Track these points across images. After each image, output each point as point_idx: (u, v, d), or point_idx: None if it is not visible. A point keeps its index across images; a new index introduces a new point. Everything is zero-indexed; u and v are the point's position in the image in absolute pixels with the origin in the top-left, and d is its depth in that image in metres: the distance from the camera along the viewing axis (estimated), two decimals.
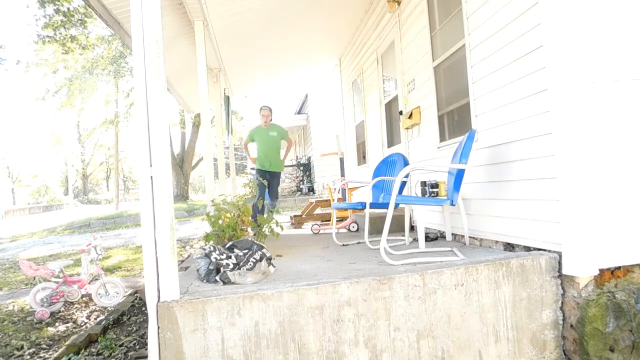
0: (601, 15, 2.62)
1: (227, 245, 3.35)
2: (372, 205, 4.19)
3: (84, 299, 5.44)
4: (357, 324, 2.50)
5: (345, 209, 5.81)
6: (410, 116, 4.94)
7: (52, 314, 5.01)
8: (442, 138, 4.38)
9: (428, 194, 3.92)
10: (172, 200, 2.45)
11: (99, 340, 4.05)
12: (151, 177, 2.39)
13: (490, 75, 3.33)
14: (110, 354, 3.80)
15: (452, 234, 4.10)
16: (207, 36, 5.84)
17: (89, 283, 5.32)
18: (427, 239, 4.09)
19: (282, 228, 4.22)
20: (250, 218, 5.06)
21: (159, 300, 2.38)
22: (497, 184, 3.36)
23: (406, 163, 4.30)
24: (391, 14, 5.44)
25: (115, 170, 26.88)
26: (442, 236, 4.36)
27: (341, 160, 7.88)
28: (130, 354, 3.71)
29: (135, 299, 5.42)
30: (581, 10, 2.59)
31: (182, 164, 23.23)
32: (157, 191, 2.39)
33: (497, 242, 3.47)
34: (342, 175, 7.74)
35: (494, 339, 2.62)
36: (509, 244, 3.29)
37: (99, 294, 5.23)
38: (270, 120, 6.58)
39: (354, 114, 8.13)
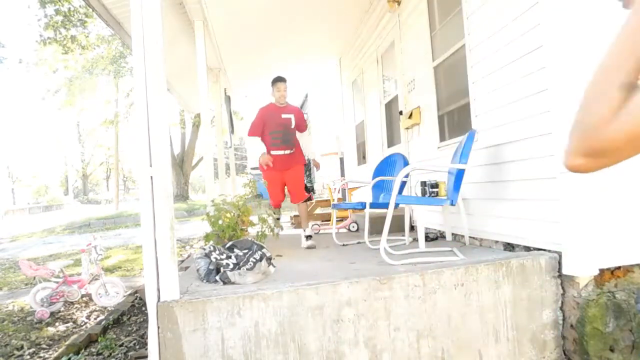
0: (601, 15, 2.62)
1: (227, 245, 3.34)
2: (372, 205, 4.19)
3: (84, 298, 5.45)
4: (357, 324, 2.50)
5: (345, 209, 5.81)
6: (410, 116, 4.94)
7: (52, 313, 5.01)
8: (442, 138, 4.38)
9: (428, 194, 3.91)
10: (172, 200, 2.45)
11: (99, 340, 4.05)
12: (151, 177, 2.39)
13: (490, 75, 3.33)
14: (110, 354, 3.80)
15: (452, 234, 4.10)
16: (207, 36, 5.85)
17: (89, 283, 5.32)
18: (427, 239, 4.09)
19: (282, 228, 4.22)
20: None
21: (159, 300, 2.38)
22: (497, 184, 3.36)
23: (406, 163, 4.30)
24: (391, 14, 5.43)
25: (115, 170, 26.89)
26: (442, 236, 4.36)
27: (341, 160, 7.88)
28: (130, 354, 3.71)
29: (135, 299, 5.42)
30: (581, 10, 2.59)
31: (182, 164, 23.22)
32: (157, 191, 2.39)
33: (497, 242, 3.47)
34: (342, 175, 7.73)
35: (494, 339, 2.62)
36: (509, 244, 3.29)
37: (99, 294, 5.23)
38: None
39: (354, 114, 8.13)
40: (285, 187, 4.78)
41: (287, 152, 4.63)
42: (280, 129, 4.61)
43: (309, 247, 4.33)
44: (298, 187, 4.71)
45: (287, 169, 4.64)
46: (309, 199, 4.81)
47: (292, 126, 4.69)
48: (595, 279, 2.59)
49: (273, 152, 4.60)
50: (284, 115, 4.67)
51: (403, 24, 5.18)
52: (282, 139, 4.60)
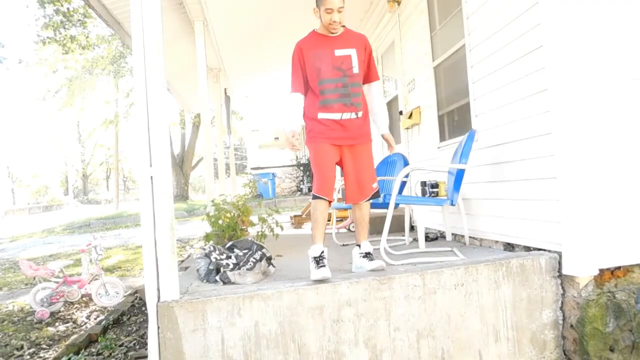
0: (601, 15, 2.62)
1: (227, 245, 3.35)
2: (372, 205, 4.19)
3: (84, 299, 5.44)
4: (357, 324, 2.50)
5: (345, 209, 5.81)
6: (410, 116, 4.94)
7: (52, 314, 5.00)
8: (442, 138, 4.38)
9: (428, 194, 3.92)
10: (172, 200, 2.46)
11: (99, 340, 4.05)
12: (151, 177, 2.39)
13: (490, 75, 3.33)
14: (110, 354, 3.80)
15: (452, 234, 4.10)
16: (207, 36, 5.85)
17: (89, 283, 5.32)
18: (427, 239, 4.09)
19: (282, 228, 4.22)
20: None
21: (159, 300, 2.38)
22: (497, 184, 3.36)
23: (406, 163, 4.30)
24: (391, 14, 5.44)
25: (115, 170, 26.88)
26: (442, 236, 4.36)
27: None
28: (130, 354, 3.71)
29: (135, 299, 5.42)
30: (581, 10, 2.59)
31: (182, 164, 23.23)
32: (157, 191, 2.39)
33: (497, 242, 3.47)
34: (342, 175, 7.72)
35: (494, 339, 2.62)
36: (509, 244, 3.29)
37: (99, 294, 5.23)
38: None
39: None
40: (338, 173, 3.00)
41: (351, 115, 2.85)
42: (335, 75, 2.83)
43: (375, 269, 2.77)
44: (364, 174, 2.94)
45: (350, 145, 2.90)
46: (376, 194, 3.01)
47: (356, 69, 2.87)
48: (595, 279, 2.59)
49: (324, 116, 2.85)
50: (338, 52, 2.85)
51: (403, 24, 5.18)
52: (341, 93, 2.83)
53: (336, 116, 2.83)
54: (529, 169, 2.93)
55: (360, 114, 2.88)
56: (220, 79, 8.15)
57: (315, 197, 2.86)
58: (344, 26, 2.89)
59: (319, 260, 2.69)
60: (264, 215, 4.15)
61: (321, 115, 2.85)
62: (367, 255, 2.88)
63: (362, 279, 2.54)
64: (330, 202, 2.88)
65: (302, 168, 19.63)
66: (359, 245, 2.95)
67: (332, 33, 2.87)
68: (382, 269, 2.78)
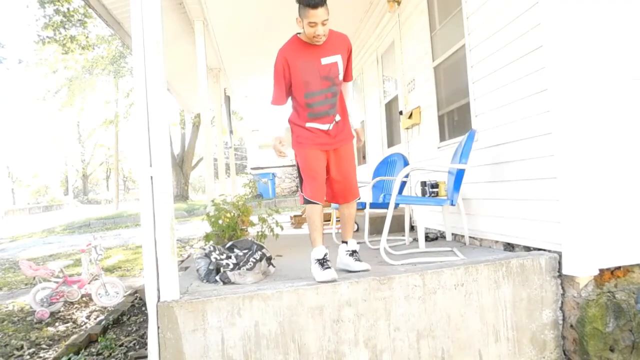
0: (601, 15, 2.62)
1: (227, 245, 3.35)
2: (372, 205, 4.19)
3: (84, 299, 5.45)
4: (357, 324, 2.50)
5: None
6: (410, 116, 4.94)
7: (52, 314, 5.01)
8: (442, 138, 4.38)
9: (428, 194, 3.92)
10: (172, 200, 2.46)
11: (99, 340, 4.05)
12: (151, 177, 2.39)
13: (490, 75, 3.33)
14: (110, 354, 3.80)
15: (452, 234, 4.09)
16: (207, 36, 5.85)
17: (89, 283, 5.32)
18: (427, 239, 4.09)
19: (282, 228, 4.22)
20: None
21: (159, 300, 2.38)
22: (497, 184, 3.36)
23: (406, 163, 4.30)
24: (391, 14, 5.44)
25: (115, 170, 26.88)
26: (442, 236, 4.36)
27: None
28: (130, 354, 3.71)
29: (135, 299, 5.42)
30: (581, 10, 2.59)
31: (182, 164, 23.24)
32: (157, 191, 2.39)
33: (497, 242, 3.47)
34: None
35: (494, 338, 2.62)
36: (509, 244, 3.29)
37: (99, 294, 5.23)
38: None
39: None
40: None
41: (336, 123, 2.89)
42: (323, 85, 2.77)
43: (361, 271, 2.81)
44: (351, 174, 2.97)
45: (335, 149, 2.90)
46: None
47: (341, 76, 2.84)
48: (595, 279, 2.59)
49: (313, 125, 2.85)
50: (325, 60, 2.76)
51: (403, 24, 5.18)
52: (330, 103, 2.82)
53: (324, 127, 2.87)
54: (529, 169, 2.93)
55: (341, 117, 2.94)
56: (220, 79, 8.15)
57: (309, 202, 2.87)
58: None
59: (323, 262, 2.69)
60: (264, 215, 4.15)
61: (309, 125, 2.87)
62: (354, 253, 2.94)
63: (362, 279, 2.54)
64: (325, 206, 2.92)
65: None
66: (346, 242, 3.00)
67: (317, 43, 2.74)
68: (367, 271, 2.80)
